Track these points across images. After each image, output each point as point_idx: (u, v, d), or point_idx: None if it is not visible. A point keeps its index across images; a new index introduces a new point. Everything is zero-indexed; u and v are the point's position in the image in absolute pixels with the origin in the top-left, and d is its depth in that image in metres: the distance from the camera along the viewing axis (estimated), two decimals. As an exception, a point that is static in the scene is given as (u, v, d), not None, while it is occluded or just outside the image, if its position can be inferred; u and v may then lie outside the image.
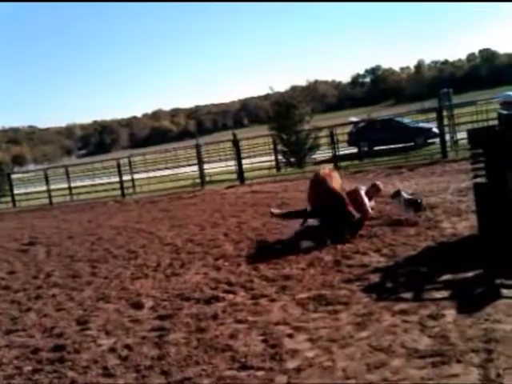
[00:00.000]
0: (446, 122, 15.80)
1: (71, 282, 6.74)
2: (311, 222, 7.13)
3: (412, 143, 21.62)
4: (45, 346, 4.51)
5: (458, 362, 3.18)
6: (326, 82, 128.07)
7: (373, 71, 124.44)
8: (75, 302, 5.78)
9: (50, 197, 20.55)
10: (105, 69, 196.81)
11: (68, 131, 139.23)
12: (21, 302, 6.13)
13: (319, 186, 7.03)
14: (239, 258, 6.65)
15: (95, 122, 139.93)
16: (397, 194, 7.50)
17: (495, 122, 9.20)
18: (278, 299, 4.89)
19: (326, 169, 7.70)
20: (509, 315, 3.72)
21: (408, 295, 4.44)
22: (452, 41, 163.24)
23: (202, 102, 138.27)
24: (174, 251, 7.65)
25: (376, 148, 22.34)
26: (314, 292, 4.90)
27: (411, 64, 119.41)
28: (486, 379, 2.96)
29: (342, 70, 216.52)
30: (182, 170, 20.52)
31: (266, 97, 60.91)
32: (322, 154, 21.63)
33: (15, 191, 22.69)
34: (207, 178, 18.40)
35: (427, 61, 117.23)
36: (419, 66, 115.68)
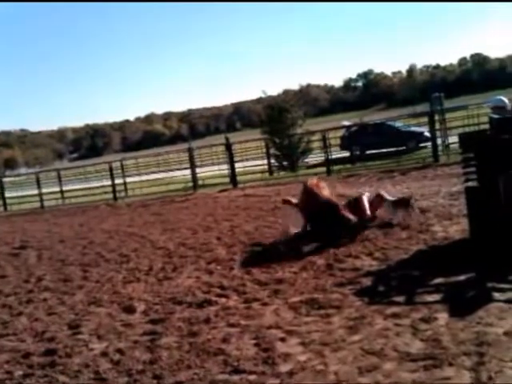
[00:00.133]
0: (437, 126, 15.92)
1: (62, 286, 6.69)
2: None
3: (404, 147, 21.68)
4: (36, 350, 4.48)
5: (450, 365, 3.18)
6: (318, 86, 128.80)
7: (365, 75, 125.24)
8: (67, 306, 5.74)
9: (41, 200, 20.40)
10: (97, 72, 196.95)
11: (60, 134, 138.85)
12: (12, 306, 6.07)
13: (310, 196, 7.31)
14: (232, 261, 6.63)
15: (87, 126, 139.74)
16: (378, 196, 7.55)
17: (486, 126, 9.25)
18: (270, 303, 4.88)
19: (313, 179, 7.89)
20: (501, 318, 3.73)
21: (400, 299, 4.44)
22: (444, 45, 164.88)
23: (194, 106, 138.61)
24: (167, 255, 7.62)
25: (368, 152, 22.41)
26: (307, 296, 4.89)
27: (403, 68, 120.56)
28: (477, 382, 2.97)
29: (334, 74, 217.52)
30: (175, 173, 20.45)
31: (259, 100, 61.22)
32: (315, 157, 21.72)
33: (6, 195, 22.50)
34: (200, 182, 18.37)
35: (419, 65, 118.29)
36: (411, 70, 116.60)
